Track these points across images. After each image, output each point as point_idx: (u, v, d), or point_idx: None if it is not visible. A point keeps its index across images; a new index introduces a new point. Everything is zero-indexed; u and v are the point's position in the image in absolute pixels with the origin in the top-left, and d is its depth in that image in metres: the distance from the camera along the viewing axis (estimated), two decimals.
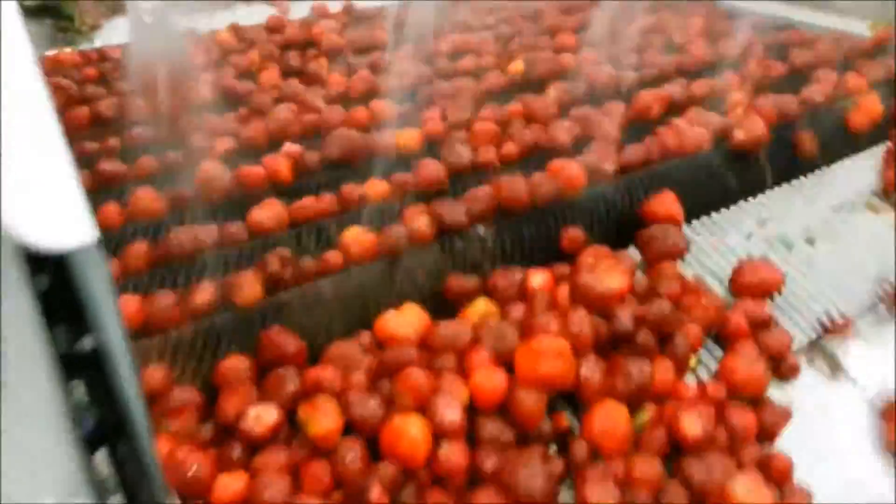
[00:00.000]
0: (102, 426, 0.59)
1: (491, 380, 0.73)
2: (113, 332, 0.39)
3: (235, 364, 0.72)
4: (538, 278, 0.87)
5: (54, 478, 0.41)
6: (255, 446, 0.66)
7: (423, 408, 0.70)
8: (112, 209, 0.95)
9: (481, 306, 0.84)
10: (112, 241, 0.91)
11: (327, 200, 0.96)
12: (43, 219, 0.32)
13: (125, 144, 1.12)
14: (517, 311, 0.82)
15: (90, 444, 0.65)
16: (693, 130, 1.10)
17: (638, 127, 1.17)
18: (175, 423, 0.69)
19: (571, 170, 0.98)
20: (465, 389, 0.72)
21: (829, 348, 0.89)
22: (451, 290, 0.86)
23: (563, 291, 0.84)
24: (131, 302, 0.76)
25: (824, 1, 1.72)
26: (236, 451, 0.66)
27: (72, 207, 0.33)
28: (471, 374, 0.74)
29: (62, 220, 0.33)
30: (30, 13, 1.67)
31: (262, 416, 0.67)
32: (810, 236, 1.03)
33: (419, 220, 0.89)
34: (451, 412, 0.69)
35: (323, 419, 0.67)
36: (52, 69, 1.39)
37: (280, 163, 1.03)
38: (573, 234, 0.94)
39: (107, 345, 0.39)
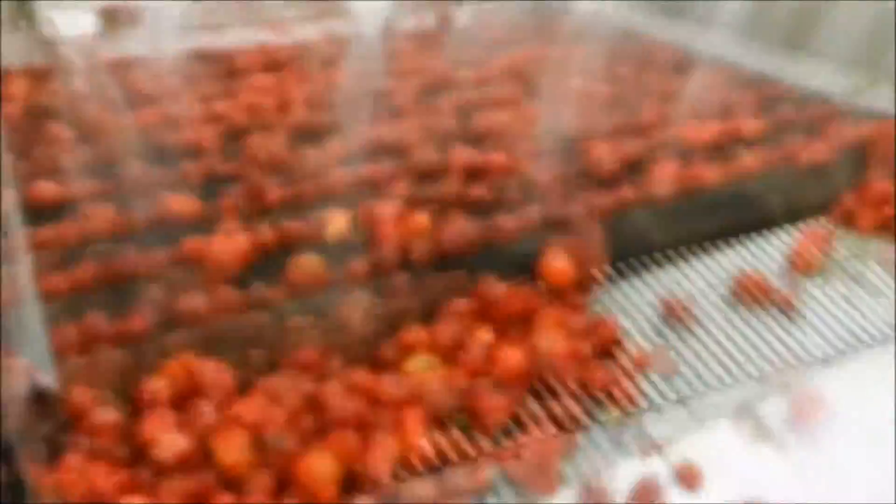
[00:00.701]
0: None
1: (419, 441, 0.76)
2: None
3: (157, 387, 0.76)
4: (485, 335, 0.90)
5: None
6: (163, 472, 0.70)
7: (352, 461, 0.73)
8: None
9: (423, 361, 0.87)
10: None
11: None
12: None
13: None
14: (458, 375, 0.85)
15: None
16: None
17: None
18: (92, 442, 0.72)
19: None
20: (396, 448, 0.76)
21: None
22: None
23: (511, 354, 0.86)
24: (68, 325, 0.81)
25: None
26: (145, 475, 0.69)
27: None
28: (403, 432, 0.77)
29: None
30: None
31: (172, 443, 0.70)
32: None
33: None
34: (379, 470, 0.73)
35: (233, 450, 0.70)
36: None
37: None
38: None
39: None
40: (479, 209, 1.11)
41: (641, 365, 0.89)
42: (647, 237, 1.10)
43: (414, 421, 0.78)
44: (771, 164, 1.28)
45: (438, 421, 0.80)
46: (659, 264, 1.07)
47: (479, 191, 1.15)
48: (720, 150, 1.33)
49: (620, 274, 1.05)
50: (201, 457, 0.72)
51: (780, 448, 0.84)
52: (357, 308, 0.90)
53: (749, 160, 1.28)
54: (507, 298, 0.93)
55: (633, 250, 1.07)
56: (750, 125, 1.41)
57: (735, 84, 1.62)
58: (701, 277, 1.07)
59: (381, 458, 0.73)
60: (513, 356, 0.86)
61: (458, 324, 0.90)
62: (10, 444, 0.68)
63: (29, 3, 1.66)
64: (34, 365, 0.73)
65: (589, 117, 1.41)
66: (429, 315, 0.92)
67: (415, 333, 0.89)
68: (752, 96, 1.56)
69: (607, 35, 1.79)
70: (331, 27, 1.83)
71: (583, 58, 1.65)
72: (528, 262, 0.99)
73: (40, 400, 0.71)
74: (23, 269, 0.88)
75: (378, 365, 0.86)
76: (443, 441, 0.79)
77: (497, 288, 0.94)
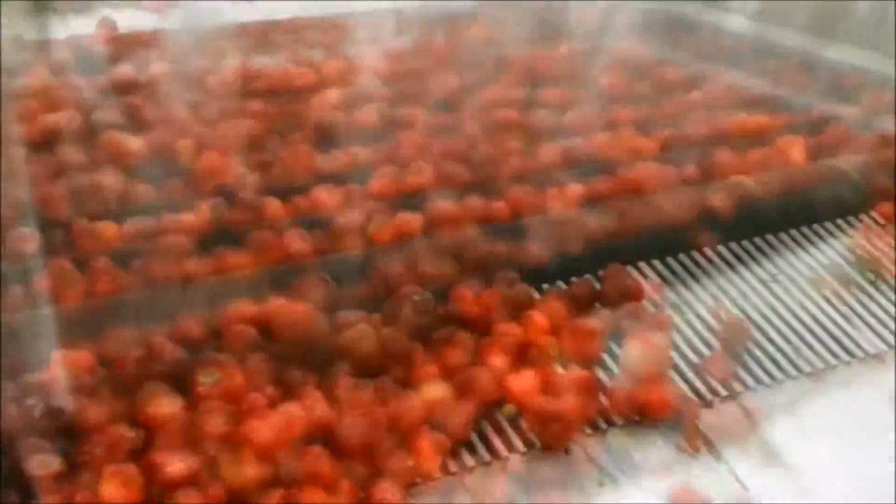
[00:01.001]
0: None
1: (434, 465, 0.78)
2: None
3: (172, 402, 0.77)
4: (497, 360, 0.90)
5: None
6: (172, 489, 0.71)
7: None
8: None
9: (438, 390, 0.86)
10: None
11: None
12: None
13: None
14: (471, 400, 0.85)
15: None
16: None
17: None
18: (105, 458, 0.73)
19: None
20: (410, 471, 0.77)
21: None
22: None
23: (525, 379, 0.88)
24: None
25: None
26: (156, 491, 0.70)
27: None
28: (415, 456, 0.78)
29: None
30: None
31: (182, 461, 0.71)
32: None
33: None
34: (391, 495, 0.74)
35: (244, 468, 0.72)
36: None
37: None
38: None
39: None
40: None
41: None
42: None
43: (428, 446, 0.78)
44: None
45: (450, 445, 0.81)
46: None
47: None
48: None
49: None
50: (210, 474, 0.73)
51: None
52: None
53: None
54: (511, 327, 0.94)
55: None
56: None
57: None
58: None
59: (392, 484, 0.74)
60: (522, 383, 0.87)
61: (470, 348, 0.91)
62: (20, 460, 0.69)
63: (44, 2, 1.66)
64: (47, 380, 0.74)
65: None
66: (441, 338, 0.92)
67: (427, 357, 0.89)
68: None
69: None
70: None
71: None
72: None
73: (53, 416, 0.72)
74: (37, 278, 0.88)
75: (389, 389, 0.86)
76: (455, 465, 0.80)
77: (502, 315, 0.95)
